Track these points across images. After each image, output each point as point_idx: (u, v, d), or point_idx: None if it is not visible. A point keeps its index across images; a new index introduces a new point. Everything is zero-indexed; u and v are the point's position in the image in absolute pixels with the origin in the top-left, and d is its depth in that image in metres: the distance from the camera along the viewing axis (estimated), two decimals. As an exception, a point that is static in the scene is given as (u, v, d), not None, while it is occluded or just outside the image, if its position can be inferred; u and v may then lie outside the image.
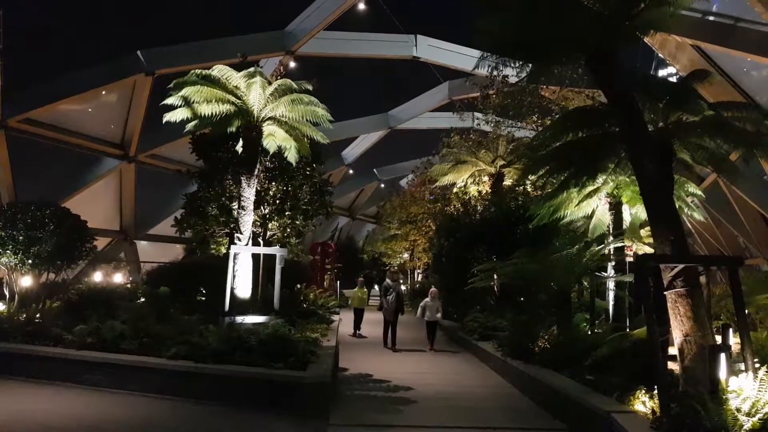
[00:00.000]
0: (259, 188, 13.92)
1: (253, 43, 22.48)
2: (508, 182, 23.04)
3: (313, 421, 8.14)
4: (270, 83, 13.00)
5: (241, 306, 12.07)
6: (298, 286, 18.22)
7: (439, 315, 15.37)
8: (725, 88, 15.69)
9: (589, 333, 11.87)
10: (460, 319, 19.28)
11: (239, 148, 13.16)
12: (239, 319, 11.50)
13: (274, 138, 13.24)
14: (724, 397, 5.85)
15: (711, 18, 14.61)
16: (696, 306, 6.86)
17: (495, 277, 16.84)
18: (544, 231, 14.38)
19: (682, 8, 9.12)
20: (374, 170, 43.45)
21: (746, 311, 12.94)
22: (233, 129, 13.03)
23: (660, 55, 18.19)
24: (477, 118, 24.51)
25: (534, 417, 8.87)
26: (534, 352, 11.20)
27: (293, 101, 12.77)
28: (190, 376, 9.38)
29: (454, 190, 26.07)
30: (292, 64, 24.09)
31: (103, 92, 22.27)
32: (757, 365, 6.85)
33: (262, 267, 14.36)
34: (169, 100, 12.20)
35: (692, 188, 13.19)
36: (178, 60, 20.87)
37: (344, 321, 18.77)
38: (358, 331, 17.55)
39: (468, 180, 25.13)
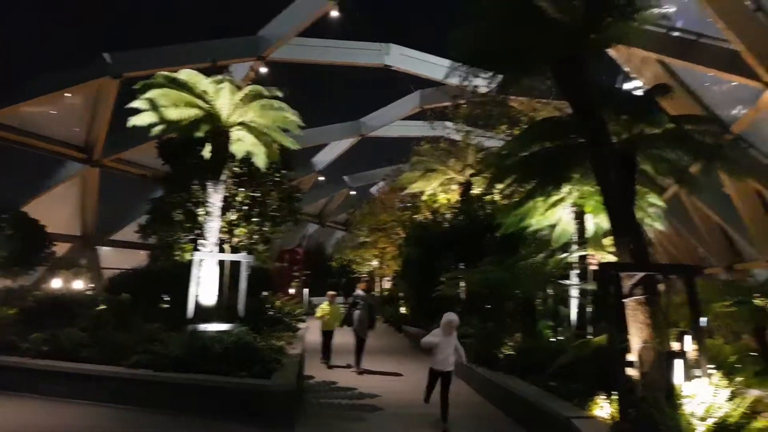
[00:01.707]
0: (226, 194, 13.73)
1: (224, 48, 22.30)
2: (476, 191, 23.29)
3: (279, 430, 8.06)
4: (240, 88, 12.90)
5: (205, 313, 11.87)
6: (265, 293, 18.04)
7: (458, 358, 9.00)
8: (687, 102, 16.19)
9: (552, 340, 12.06)
10: (427, 326, 19.36)
11: (207, 153, 13.00)
12: (203, 326, 11.31)
13: (242, 143, 13.12)
14: (679, 402, 6.01)
15: (675, 33, 15.09)
16: (654, 313, 7.04)
17: (462, 284, 17.00)
18: (511, 239, 14.59)
19: (646, 23, 9.41)
20: (344, 177, 43.40)
21: (704, 319, 13.36)
22: (201, 134, 12.88)
23: (626, 69, 18.69)
24: (447, 127, 24.75)
25: (497, 423, 8.95)
26: (499, 359, 11.31)
27: (263, 107, 12.69)
28: (151, 385, 9.19)
29: (424, 198, 26.25)
30: (264, 70, 23.94)
31: (68, 95, 21.77)
32: (712, 371, 7.05)
33: (228, 274, 14.18)
34: (134, 104, 11.98)
35: (654, 199, 13.53)
36: (146, 63, 20.53)
37: (311, 329, 18.65)
38: (327, 357, 14.01)
39: (437, 188, 25.37)
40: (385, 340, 20.44)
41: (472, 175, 23.59)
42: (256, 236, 16.11)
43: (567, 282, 14.04)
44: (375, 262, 36.67)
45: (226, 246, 15.42)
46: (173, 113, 12.07)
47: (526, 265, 12.52)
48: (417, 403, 10.21)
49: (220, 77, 12.65)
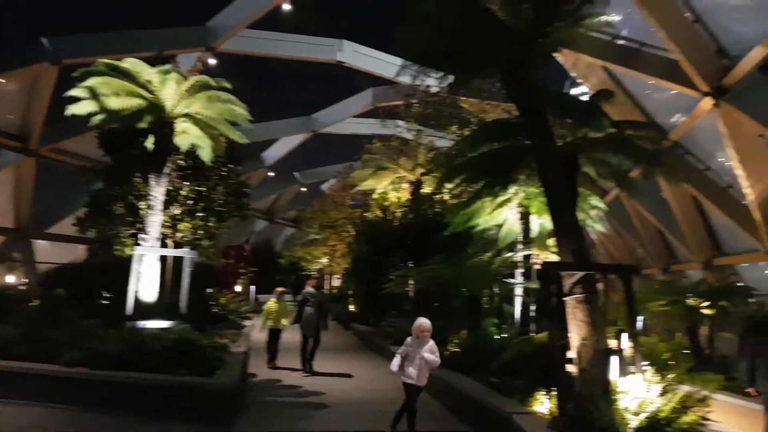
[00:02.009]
0: (170, 187, 13.33)
1: (171, 37, 21.67)
2: (427, 190, 23.50)
3: (219, 429, 7.89)
4: (186, 79, 12.55)
5: (145, 310, 11.50)
6: (209, 290, 17.64)
7: (430, 366, 7.55)
8: (629, 109, 16.83)
9: (497, 337, 12.28)
10: (376, 324, 19.42)
11: (150, 144, 12.58)
12: (142, 323, 10.97)
13: (187, 136, 12.74)
14: (614, 397, 6.22)
15: (620, 42, 15.63)
16: (593, 311, 7.25)
17: (411, 282, 17.13)
18: (459, 238, 14.80)
19: (592, 30, 9.69)
20: (295, 173, 42.97)
21: (641, 317, 13.91)
22: (144, 125, 12.45)
23: (573, 74, 19.26)
24: (399, 126, 24.88)
25: (441, 420, 9.03)
26: (444, 356, 11.39)
27: (210, 98, 12.37)
28: (87, 384, 8.80)
29: (375, 196, 26.32)
30: (212, 61, 23.39)
31: (2, 80, 20.67)
32: (646, 367, 7.33)
33: (171, 270, 13.78)
34: (73, 92, 11.46)
35: (595, 201, 13.99)
36: (88, 50, 19.69)
37: (257, 326, 18.38)
38: (275, 361, 13.13)
39: (388, 186, 25.48)
40: (333, 338, 20.34)
41: (422, 174, 23.80)
42: (200, 231, 15.73)
43: (512, 281, 14.35)
44: (325, 260, 36.52)
45: (169, 241, 14.99)
46: (115, 102, 11.61)
47: (473, 264, 12.70)
48: (363, 401, 10.23)
49: (165, 67, 12.26)
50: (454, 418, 9.08)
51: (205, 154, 13.02)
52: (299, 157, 39.78)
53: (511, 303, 15.07)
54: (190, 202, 15.30)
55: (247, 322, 18.10)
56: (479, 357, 10.23)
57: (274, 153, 37.40)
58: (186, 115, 12.56)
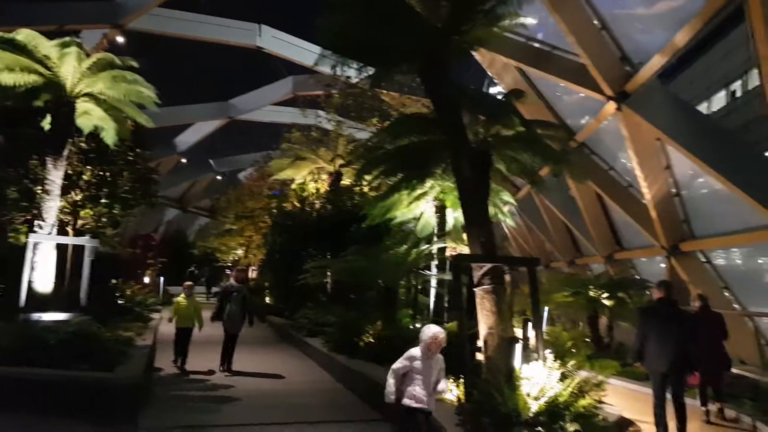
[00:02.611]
0: (70, 171, 12.49)
1: (75, 11, 20.23)
2: (346, 181, 23.48)
3: (121, 425, 7.50)
4: (89, 56, 11.76)
5: (40, 301, 10.74)
6: (114, 281, 16.75)
7: (441, 390, 5.87)
8: (541, 109, 17.54)
9: (411, 327, 12.48)
10: (291, 316, 19.22)
11: (47, 125, 11.69)
12: (37, 316, 10.23)
13: (89, 117, 11.95)
14: (517, 383, 6.47)
15: (534, 44, 16.21)
16: (500, 302, 7.51)
17: (329, 274, 17.06)
18: (377, 230, 14.91)
19: (507, 31, 9.99)
20: (210, 161, 41.61)
21: (546, 308, 14.61)
22: (41, 103, 11.56)
23: (489, 73, 19.80)
24: (319, 116, 24.66)
25: (353, 409, 9.06)
26: (359, 347, 11.47)
27: (114, 78, 11.65)
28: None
29: (293, 186, 25.97)
30: (120, 40, 22.05)
31: None
32: (549, 355, 7.69)
33: (71, 259, 12.95)
34: (-41, 64, 10.46)
35: (507, 197, 14.51)
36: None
37: (165, 319, 17.68)
38: (182, 361, 11.51)
39: (307, 177, 25.22)
40: (248, 331, 19.93)
41: (342, 166, 23.73)
42: (104, 219, 14.86)
43: (427, 273, 14.64)
44: (240, 251, 35.67)
45: (69, 228, 14.06)
46: (7, 78, 10.67)
47: (390, 256, 12.82)
48: (275, 393, 10.08)
49: (65, 39, 11.40)
50: (368, 407, 9.13)
51: (109, 136, 12.27)
52: (215, 144, 38.61)
53: (427, 294, 15.39)
54: (93, 187, 14.40)
55: (155, 315, 17.36)
56: (393, 347, 10.30)
57: (187, 139, 35.93)
58: (88, 95, 11.78)
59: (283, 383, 11.04)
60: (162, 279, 28.08)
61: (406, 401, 5.51)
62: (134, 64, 11.89)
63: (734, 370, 9.71)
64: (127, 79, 11.81)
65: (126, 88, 11.85)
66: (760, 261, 13.31)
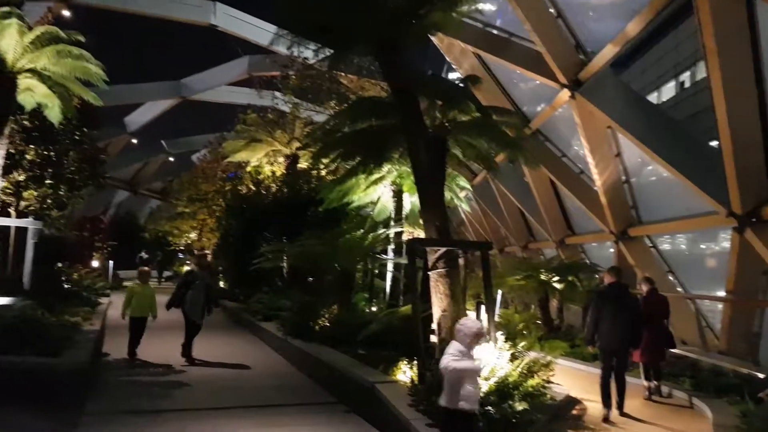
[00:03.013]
0: (11, 150, 11.92)
1: (16, -19, 19.17)
2: (303, 165, 23.22)
3: (66, 412, 7.28)
4: (31, 30, 11.19)
5: (-20, 286, 10.32)
6: (60, 264, 16.17)
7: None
8: (498, 96, 17.72)
9: (367, 311, 12.54)
10: (246, 300, 19.02)
11: (-13, 101, 11.13)
12: (-23, 300, 9.81)
13: (32, 93, 11.39)
14: (469, 364, 6.58)
15: (492, 30, 16.31)
16: (453, 285, 7.62)
17: (285, 258, 16.92)
18: (333, 214, 14.84)
19: (464, 16, 9.99)
20: (162, 142, 40.46)
21: (499, 291, 14.91)
22: (-21, 78, 10.97)
23: (447, 58, 19.87)
24: (276, 98, 24.24)
25: (308, 393, 9.06)
26: (314, 330, 11.45)
27: (59, 53, 11.12)
28: None
29: (248, 169, 25.53)
30: (66, 14, 21.05)
31: None
32: (501, 336, 7.87)
33: (14, 242, 12.43)
34: None
35: (463, 182, 14.65)
36: None
37: (115, 303, 17.21)
38: (135, 353, 10.83)
39: (263, 159, 24.82)
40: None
41: (298, 149, 23.44)
42: (49, 200, 14.28)
43: (384, 257, 14.70)
44: (193, 235, 34.95)
45: (12, 210, 13.47)
46: (-60, 50, 10.11)
47: (347, 240, 12.80)
48: (228, 378, 9.97)
49: (4, 9, 10.79)
50: (322, 390, 9.15)
51: (54, 115, 11.75)
52: (167, 125, 37.60)
53: (383, 278, 15.46)
54: (37, 168, 13.80)
55: (103, 299, 16.87)
56: (349, 330, 10.37)
57: (138, 119, 34.79)
58: (31, 71, 11.23)
59: (236, 367, 10.93)
60: (111, 263, 27.32)
61: (461, 404, 4.66)
62: (81, 38, 11.38)
63: (677, 351, 10.17)
64: (73, 55, 11.30)
65: (72, 64, 11.34)
66: (702, 246, 13.90)
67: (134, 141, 36.55)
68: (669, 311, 8.96)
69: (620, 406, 7.44)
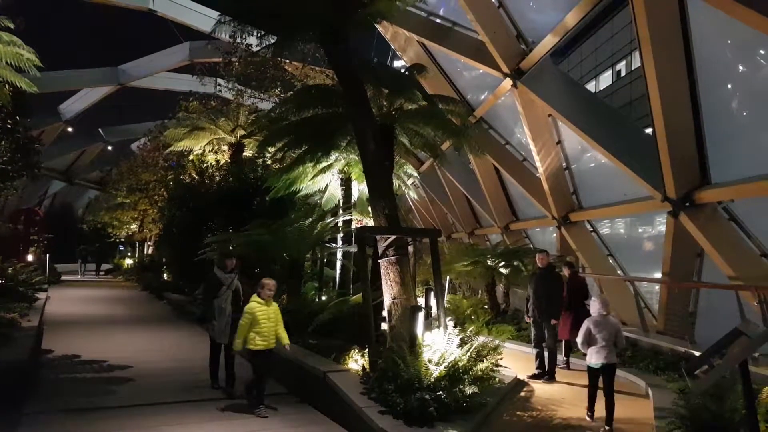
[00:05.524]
0: (-65, 139, 11.20)
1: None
2: (248, 153, 22.79)
3: (5, 412, 6.98)
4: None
5: None
6: (-8, 259, 15.39)
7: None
8: (443, 85, 17.90)
9: (316, 300, 12.52)
10: (190, 292, 18.61)
11: None
12: None
13: (-41, 80, 10.75)
14: (420, 350, 6.72)
15: (436, 19, 16.41)
16: (403, 272, 7.72)
17: (231, 248, 16.61)
18: (280, 203, 14.68)
19: (408, 4, 10.03)
20: (99, 130, 38.83)
21: (447, 277, 15.17)
22: None
23: (392, 46, 19.87)
24: (219, 85, 23.64)
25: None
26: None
27: (-14, 38, 10.52)
28: None
29: (191, 157, 24.83)
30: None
31: None
32: (450, 322, 8.04)
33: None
34: None
35: (410, 170, 14.80)
36: None
37: (53, 299, 16.54)
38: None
39: (206, 148, 24.19)
40: (145, 310, 19.14)
41: (243, 137, 22.98)
42: (-21, 193, 13.53)
43: (333, 245, 14.68)
44: (134, 226, 33.83)
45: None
46: None
47: (295, 229, 12.70)
48: (172, 372, 9.76)
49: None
50: (273, 381, 9.08)
51: (-18, 102, 11.11)
52: (104, 112, 36.09)
53: (333, 267, 15.45)
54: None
55: (41, 294, 16.17)
56: (299, 320, 10.34)
57: (73, 106, 33.24)
58: (-44, 56, 10.56)
59: (181, 362, 10.69)
60: (48, 256, 26.14)
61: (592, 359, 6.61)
62: (10, 24, 10.76)
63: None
64: (3, 40, 10.68)
65: (2, 50, 10.71)
66: (640, 230, 14.54)
67: (69, 129, 34.92)
68: (587, 291, 10.01)
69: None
